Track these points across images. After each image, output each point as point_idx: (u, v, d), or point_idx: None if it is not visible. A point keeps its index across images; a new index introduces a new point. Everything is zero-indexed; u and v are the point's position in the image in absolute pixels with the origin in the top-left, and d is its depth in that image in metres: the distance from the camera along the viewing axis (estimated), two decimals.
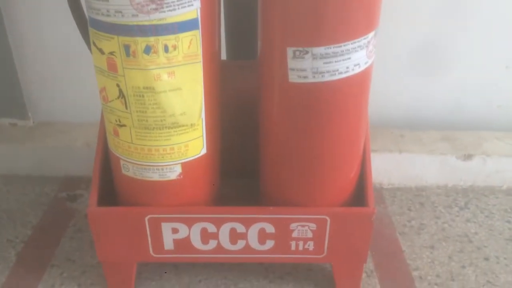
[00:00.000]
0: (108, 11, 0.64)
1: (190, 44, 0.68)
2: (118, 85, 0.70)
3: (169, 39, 0.66)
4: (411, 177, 1.19)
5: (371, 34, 0.69)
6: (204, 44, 0.69)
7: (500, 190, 1.18)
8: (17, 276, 0.93)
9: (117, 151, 0.77)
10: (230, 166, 0.88)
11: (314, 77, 0.69)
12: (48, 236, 1.03)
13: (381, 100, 1.21)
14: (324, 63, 0.68)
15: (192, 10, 0.65)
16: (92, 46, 0.70)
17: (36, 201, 1.12)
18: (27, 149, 1.18)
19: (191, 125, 0.73)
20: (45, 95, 1.23)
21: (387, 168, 1.18)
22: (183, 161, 0.76)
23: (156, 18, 0.64)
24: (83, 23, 0.75)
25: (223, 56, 0.84)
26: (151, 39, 0.65)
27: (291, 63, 0.69)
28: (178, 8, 0.64)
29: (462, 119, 1.25)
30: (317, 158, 0.78)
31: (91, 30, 0.69)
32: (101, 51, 0.68)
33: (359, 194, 0.84)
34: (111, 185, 0.85)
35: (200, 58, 0.70)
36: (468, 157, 1.16)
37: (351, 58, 0.69)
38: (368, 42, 0.69)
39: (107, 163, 0.84)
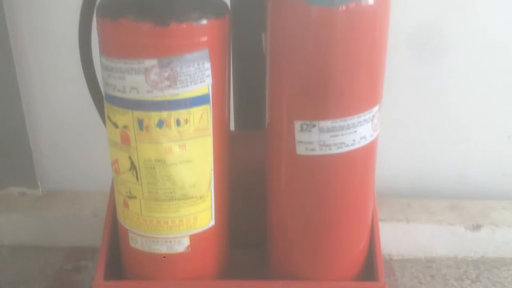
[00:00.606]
0: (124, 87, 0.67)
1: (201, 118, 0.70)
2: (130, 158, 0.72)
3: (181, 114, 0.68)
4: (420, 247, 1.18)
5: (375, 108, 0.72)
6: (214, 117, 0.72)
7: (511, 262, 1.15)
8: None
9: (126, 223, 0.78)
10: (238, 235, 0.88)
11: (321, 149, 0.71)
12: None
13: (387, 169, 1.23)
14: (331, 136, 0.70)
15: (204, 86, 0.69)
16: (107, 120, 0.72)
17: (41, 272, 1.11)
18: (33, 219, 1.18)
19: (200, 196, 0.74)
20: (56, 164, 1.25)
21: (396, 238, 1.17)
22: (191, 233, 0.76)
23: (169, 94, 0.67)
24: (99, 98, 0.79)
25: (232, 125, 0.87)
26: (164, 114, 0.68)
27: (299, 136, 0.71)
28: (191, 85, 0.67)
29: (468, 187, 1.26)
30: (325, 230, 0.77)
31: (107, 105, 0.72)
32: (115, 124, 0.71)
33: (369, 266, 0.83)
34: (118, 257, 0.84)
35: (211, 131, 0.72)
36: (476, 227, 1.15)
37: (357, 132, 0.71)
38: (373, 115, 0.72)
39: (115, 235, 0.84)
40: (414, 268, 1.15)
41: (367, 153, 0.74)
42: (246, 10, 0.74)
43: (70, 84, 1.11)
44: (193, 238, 0.77)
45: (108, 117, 0.72)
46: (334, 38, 0.65)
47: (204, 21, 0.66)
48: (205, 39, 0.66)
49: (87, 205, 1.18)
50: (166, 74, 0.65)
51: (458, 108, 1.18)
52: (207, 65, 0.68)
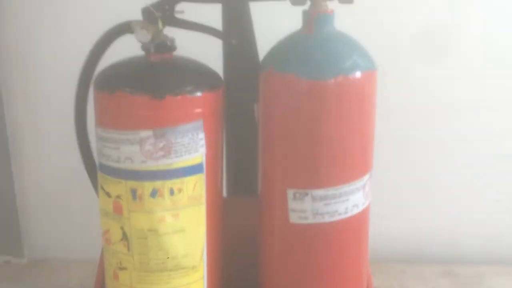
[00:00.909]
0: (118, 157, 0.68)
1: (195, 187, 0.70)
2: (122, 228, 0.71)
3: (175, 183, 0.69)
4: None
5: (366, 176, 0.73)
6: (208, 186, 0.72)
7: None
8: None
9: None
10: None
11: (314, 218, 0.71)
12: None
13: (380, 233, 1.22)
14: (324, 204, 0.71)
15: (198, 155, 0.69)
16: (100, 190, 0.72)
17: None
18: None
19: (193, 267, 0.73)
20: (43, 230, 1.23)
21: None
22: None
23: (163, 164, 0.67)
24: (92, 167, 0.79)
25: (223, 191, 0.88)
26: (158, 183, 0.68)
27: (292, 204, 0.71)
28: (185, 154, 0.68)
29: (460, 251, 1.26)
30: None
31: (100, 175, 0.72)
32: (108, 194, 0.71)
33: None
34: None
35: (204, 199, 0.72)
36: None
37: (350, 200, 0.71)
38: (364, 184, 0.73)
39: None
40: None
41: (360, 221, 0.74)
42: (239, 81, 0.76)
43: (61, 149, 1.11)
44: None
45: (101, 186, 0.72)
46: (325, 109, 0.67)
47: (199, 94, 0.68)
48: (199, 110, 0.68)
49: (73, 275, 1.15)
50: (160, 145, 0.66)
51: (447, 172, 1.20)
52: (201, 135, 0.69)
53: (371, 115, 0.72)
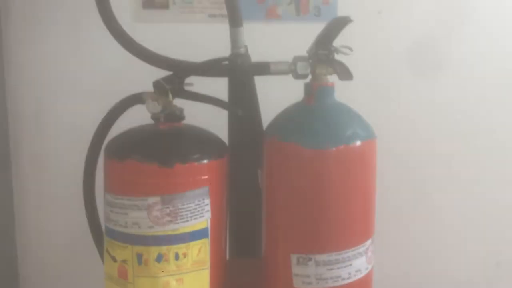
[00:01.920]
0: (126, 222, 0.69)
1: (199, 252, 0.72)
2: None
3: (181, 248, 0.70)
4: None
5: (368, 241, 0.74)
6: (212, 250, 0.73)
7: None
8: None
9: None
10: None
11: (318, 283, 0.72)
12: None
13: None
14: (327, 269, 0.71)
15: (203, 220, 0.71)
16: (105, 254, 0.73)
17: None
18: None
19: None
20: None
21: None
22: None
23: (170, 229, 0.69)
24: (98, 233, 0.80)
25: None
26: (164, 248, 0.69)
27: (295, 269, 0.72)
28: (191, 220, 0.70)
29: None
30: None
31: (106, 239, 0.73)
32: (113, 258, 0.72)
33: None
34: None
35: (208, 264, 0.73)
36: None
37: (352, 265, 0.72)
38: (367, 248, 0.74)
39: None
40: None
41: (363, 285, 0.75)
42: (244, 149, 0.79)
43: (66, 214, 1.12)
44: None
45: (107, 251, 0.73)
46: (327, 177, 0.70)
47: (205, 161, 0.70)
48: (205, 177, 0.71)
49: None
50: (167, 210, 0.68)
51: (447, 234, 1.21)
52: (207, 201, 0.71)
53: (372, 182, 0.74)
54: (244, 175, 0.80)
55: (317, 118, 0.71)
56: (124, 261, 0.71)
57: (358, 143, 0.71)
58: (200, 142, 0.73)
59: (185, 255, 0.70)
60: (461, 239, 1.22)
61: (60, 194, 1.14)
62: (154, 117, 0.74)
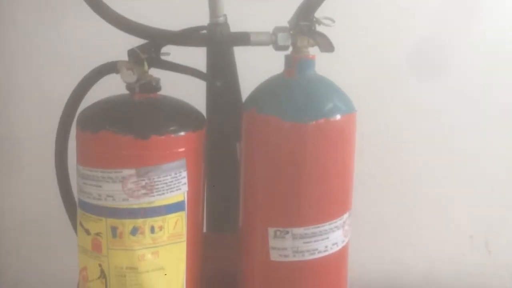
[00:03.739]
0: (99, 195, 0.68)
1: (176, 225, 0.71)
2: (100, 265, 0.70)
3: (156, 221, 0.69)
4: None
5: (346, 215, 0.74)
6: (189, 223, 0.72)
7: None
8: None
9: None
10: None
11: (294, 256, 0.72)
12: None
13: (355, 267, 1.24)
14: (304, 242, 0.72)
15: (180, 193, 0.70)
16: (78, 227, 0.72)
17: None
18: None
19: None
20: (15, 267, 1.20)
21: None
22: None
23: (145, 201, 0.68)
24: (71, 205, 0.78)
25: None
26: (139, 221, 0.68)
27: (272, 242, 0.72)
28: (167, 192, 0.68)
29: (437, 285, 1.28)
30: None
31: (80, 212, 0.71)
32: (87, 231, 0.70)
33: None
34: None
35: (185, 237, 0.72)
36: None
37: (329, 238, 0.72)
38: (344, 222, 0.74)
39: None
40: None
41: (339, 258, 0.75)
42: (222, 121, 0.78)
43: (38, 186, 1.10)
44: None
45: (80, 224, 0.71)
46: (306, 151, 0.69)
47: (182, 133, 0.68)
48: (182, 149, 0.69)
49: None
50: (143, 183, 0.67)
51: (422, 209, 1.23)
52: (184, 173, 0.69)
53: (351, 156, 0.74)
54: (222, 148, 0.79)
55: (297, 91, 0.70)
56: (98, 234, 0.69)
57: (338, 117, 0.70)
58: (177, 114, 0.71)
59: (161, 228, 0.69)
60: (436, 213, 1.24)
61: (33, 165, 1.11)
62: (129, 87, 0.71)
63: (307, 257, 0.72)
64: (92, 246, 0.70)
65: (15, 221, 1.17)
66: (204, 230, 0.86)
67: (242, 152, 0.75)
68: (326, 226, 0.72)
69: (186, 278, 0.74)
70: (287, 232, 0.71)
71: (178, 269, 0.73)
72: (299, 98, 0.69)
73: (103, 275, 0.70)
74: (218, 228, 0.95)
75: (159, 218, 0.69)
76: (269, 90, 0.73)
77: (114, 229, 0.68)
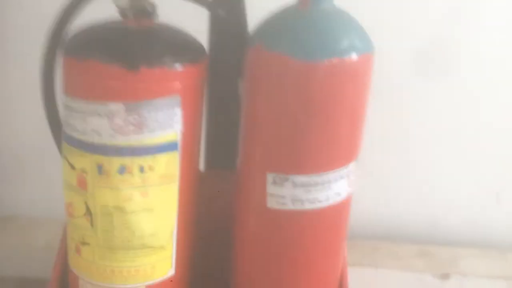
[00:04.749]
0: (84, 129, 0.62)
1: (167, 165, 0.65)
2: (85, 203, 0.66)
3: (146, 160, 0.63)
4: None
5: (351, 164, 0.69)
6: (182, 164, 0.67)
7: None
8: None
9: (77, 270, 0.72)
10: (202, 279, 0.82)
11: (293, 204, 0.67)
12: None
13: (354, 210, 1.21)
14: (305, 191, 0.66)
15: (173, 132, 0.64)
16: (63, 160, 0.67)
17: None
18: None
19: (160, 247, 0.69)
20: (11, 187, 1.18)
21: (360, 283, 1.14)
22: (148, 283, 0.71)
23: (134, 139, 0.62)
24: (59, 134, 0.73)
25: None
26: (127, 160, 0.63)
27: (271, 189, 0.67)
28: (159, 131, 0.62)
29: (439, 233, 1.25)
30: (292, 285, 0.74)
31: (65, 145, 0.66)
32: (72, 166, 0.65)
33: None
34: None
35: (177, 178, 0.67)
36: (445, 276, 1.13)
37: (332, 188, 0.67)
38: (349, 171, 0.69)
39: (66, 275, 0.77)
40: None
41: (341, 209, 0.71)
42: (225, 54, 0.70)
43: (32, 107, 1.04)
44: None
45: (65, 157, 0.66)
46: (314, 93, 0.61)
47: (178, 66, 0.61)
48: (178, 84, 0.62)
49: (41, 235, 1.11)
50: (132, 119, 0.61)
51: (429, 155, 1.17)
52: (178, 111, 0.63)
53: (364, 101, 0.66)
54: (223, 83, 0.72)
55: (310, 25, 0.61)
56: (83, 170, 0.64)
57: (354, 56, 0.61)
58: (173, 44, 0.63)
59: (151, 168, 0.64)
60: (444, 158, 1.18)
61: (21, 86, 1.06)
62: (122, 12, 0.63)
63: (307, 206, 0.67)
64: (77, 182, 0.66)
65: (7, 142, 1.13)
66: (202, 168, 0.82)
67: (244, 90, 0.68)
68: (330, 175, 0.66)
69: (178, 219, 0.70)
70: (287, 179, 0.66)
71: (169, 211, 0.68)
72: (311, 33, 0.61)
73: (88, 212, 0.66)
74: (216, 166, 0.90)
75: (149, 157, 0.63)
76: (278, 24, 0.64)
77: (99, 167, 0.63)
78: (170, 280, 0.73)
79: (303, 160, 0.65)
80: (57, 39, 0.67)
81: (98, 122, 0.61)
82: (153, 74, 0.60)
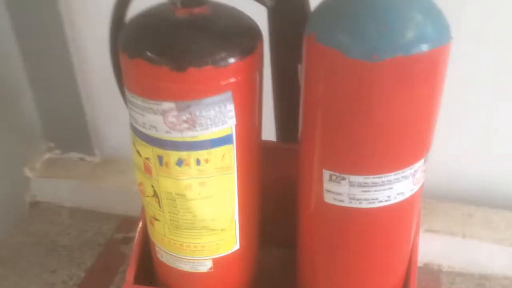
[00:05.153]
0: (144, 123, 0.64)
1: (224, 158, 0.66)
2: (152, 186, 0.70)
3: (202, 154, 0.65)
4: (475, 263, 1.09)
5: (418, 163, 0.63)
6: (239, 155, 0.67)
7: None
8: None
9: (153, 239, 0.79)
10: (271, 237, 0.86)
11: (350, 202, 0.65)
12: (99, 281, 1.08)
13: (451, 171, 1.12)
14: (362, 191, 0.63)
15: (227, 127, 0.64)
16: (132, 146, 0.71)
17: (94, 240, 1.18)
18: (90, 186, 1.25)
19: (222, 229, 0.72)
20: (112, 131, 1.27)
21: (449, 251, 1.09)
22: (214, 257, 0.76)
23: (188, 136, 0.63)
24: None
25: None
26: (184, 154, 0.64)
27: (327, 185, 0.65)
28: (211, 127, 0.63)
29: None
30: (353, 275, 0.73)
31: (131, 133, 0.69)
32: (138, 153, 0.69)
33: None
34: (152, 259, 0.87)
35: (234, 169, 0.68)
36: None
37: (393, 188, 0.63)
38: (415, 171, 0.63)
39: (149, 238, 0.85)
40: (464, 284, 1.07)
41: (406, 207, 0.66)
42: (284, 38, 0.65)
43: None
44: (216, 260, 0.76)
45: (133, 143, 0.70)
46: (373, 93, 0.55)
47: (228, 63, 0.59)
48: (228, 81, 0.60)
49: None
50: (184, 117, 0.61)
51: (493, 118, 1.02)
52: (230, 107, 0.62)
53: (435, 98, 0.59)
54: (284, 68, 0.68)
55: (370, 13, 0.53)
56: (147, 158, 0.68)
57: (424, 51, 0.53)
58: (224, 36, 0.60)
59: (207, 161, 0.65)
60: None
61: None
62: (171, 0, 0.61)
63: (365, 205, 0.64)
64: (144, 168, 0.70)
65: (104, 90, 1.19)
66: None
67: (302, 80, 0.64)
68: (391, 177, 0.62)
69: (239, 204, 0.72)
70: (344, 178, 0.63)
71: (228, 198, 0.70)
72: (370, 23, 0.53)
73: (156, 195, 0.71)
74: (289, 139, 0.88)
75: (204, 151, 0.64)
76: (334, 10, 0.56)
77: (160, 158, 0.66)
78: (236, 253, 0.77)
79: (361, 162, 0.61)
80: (120, 18, 0.68)
81: (154, 118, 0.62)
82: (202, 74, 0.58)
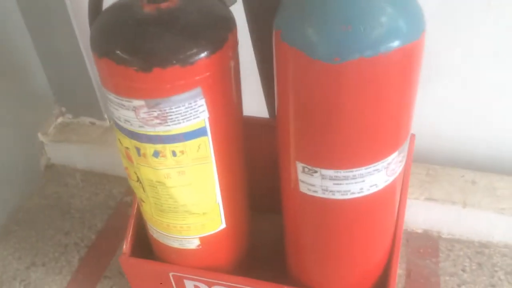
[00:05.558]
0: (119, 117, 0.65)
1: (199, 149, 0.67)
2: (135, 173, 0.72)
3: (177, 146, 0.66)
4: (475, 231, 1.09)
5: (392, 156, 0.62)
6: (215, 145, 0.68)
7: None
8: (75, 283, 1.07)
9: (144, 217, 0.82)
10: (262, 203, 0.88)
11: (324, 193, 0.65)
12: (108, 244, 1.15)
13: (457, 132, 1.09)
14: (334, 184, 0.63)
15: (199, 121, 0.64)
16: (116, 132, 0.72)
17: (105, 203, 1.24)
18: (101, 149, 1.29)
19: (204, 213, 0.74)
20: None
21: (448, 219, 1.09)
22: (200, 236, 0.79)
23: (161, 130, 0.64)
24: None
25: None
26: (159, 146, 0.66)
27: (301, 176, 0.65)
28: (183, 122, 0.63)
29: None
30: (333, 256, 0.75)
31: (113, 123, 0.71)
32: (120, 141, 0.71)
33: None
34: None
35: (211, 159, 0.69)
36: None
37: (366, 181, 0.63)
38: (388, 164, 0.62)
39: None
40: (463, 252, 1.08)
41: (380, 198, 0.66)
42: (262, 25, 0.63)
43: None
44: (203, 239, 0.79)
45: (116, 131, 0.71)
46: (341, 95, 0.54)
47: (194, 61, 0.58)
48: (196, 78, 0.60)
49: None
50: (155, 114, 0.62)
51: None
52: (201, 101, 0.62)
53: (409, 94, 0.57)
54: (264, 45, 0.66)
55: (334, 11, 0.50)
56: (127, 148, 0.70)
57: (391, 50, 0.50)
58: (192, 33, 0.59)
59: (182, 152, 0.66)
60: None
61: None
62: None
63: (339, 197, 0.65)
64: (126, 156, 0.72)
65: None
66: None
67: (275, 72, 0.62)
68: (363, 170, 0.62)
69: (221, 189, 0.73)
70: (316, 171, 0.63)
71: (208, 185, 0.72)
72: (333, 23, 0.50)
73: (139, 180, 0.73)
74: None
75: (180, 144, 0.65)
76: (299, 6, 0.53)
77: (138, 149, 0.68)
78: (223, 231, 0.80)
79: (331, 156, 0.61)
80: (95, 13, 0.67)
81: (127, 113, 0.63)
82: (168, 74, 0.58)
